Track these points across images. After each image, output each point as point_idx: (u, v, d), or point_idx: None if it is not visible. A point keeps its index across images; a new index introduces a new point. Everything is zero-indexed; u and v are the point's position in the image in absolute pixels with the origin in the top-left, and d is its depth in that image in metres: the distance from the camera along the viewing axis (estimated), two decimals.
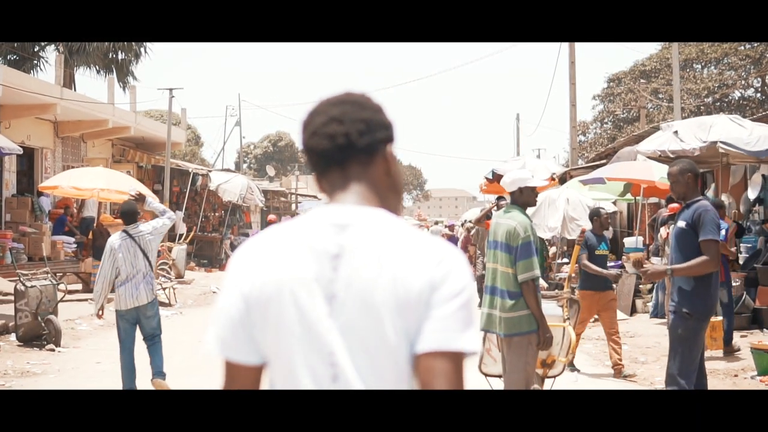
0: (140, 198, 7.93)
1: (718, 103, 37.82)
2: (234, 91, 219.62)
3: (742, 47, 37.74)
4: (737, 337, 10.32)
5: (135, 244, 7.48)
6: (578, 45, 24.79)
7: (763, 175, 12.62)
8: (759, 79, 37.59)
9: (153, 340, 7.62)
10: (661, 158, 11.27)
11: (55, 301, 11.03)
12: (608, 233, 16.89)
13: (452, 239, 25.71)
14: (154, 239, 7.61)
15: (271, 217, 15.62)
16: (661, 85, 39.95)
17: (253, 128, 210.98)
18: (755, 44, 36.32)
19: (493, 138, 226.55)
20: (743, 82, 38.78)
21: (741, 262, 12.38)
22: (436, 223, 43.72)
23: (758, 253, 11.66)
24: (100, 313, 7.77)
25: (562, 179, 22.69)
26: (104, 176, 16.12)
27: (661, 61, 40.65)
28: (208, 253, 26.61)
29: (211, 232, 27.71)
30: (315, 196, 48.33)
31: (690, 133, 10.96)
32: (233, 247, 27.87)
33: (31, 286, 10.80)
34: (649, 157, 11.52)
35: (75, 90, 28.31)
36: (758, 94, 38.71)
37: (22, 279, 10.93)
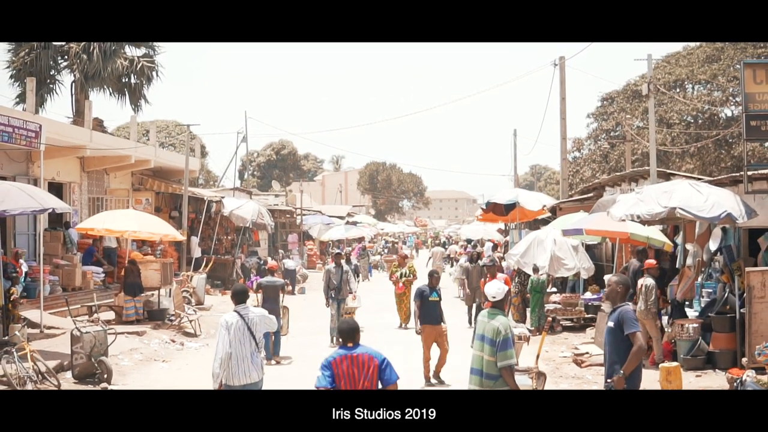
0: None
1: (707, 123, 39.39)
2: (237, 93, 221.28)
3: (731, 68, 39.31)
4: (693, 377, 12.05)
5: (244, 323, 8.03)
6: (574, 63, 26.42)
7: (723, 228, 14.28)
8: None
9: None
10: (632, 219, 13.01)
11: (105, 345, 12.76)
12: (579, 266, 18.50)
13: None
14: (260, 324, 8.15)
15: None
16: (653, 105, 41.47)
17: (256, 135, 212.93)
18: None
19: (493, 148, 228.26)
20: (734, 99, 40.25)
21: (702, 306, 14.13)
22: (439, 242, 45.10)
23: (714, 302, 13.36)
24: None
25: (553, 210, 24.47)
26: (135, 219, 17.82)
27: (653, 81, 42.15)
28: (221, 275, 28.27)
29: (224, 255, 29.42)
30: (319, 211, 50.04)
31: (654, 199, 12.65)
32: (244, 268, 29.50)
33: (86, 332, 12.54)
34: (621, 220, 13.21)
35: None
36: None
37: (77, 326, 12.68)
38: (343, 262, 17.50)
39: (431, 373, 12.64)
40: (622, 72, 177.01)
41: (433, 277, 13.21)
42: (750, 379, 9.99)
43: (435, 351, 12.80)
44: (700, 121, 39.57)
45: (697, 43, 41.96)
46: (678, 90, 41.53)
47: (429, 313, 12.78)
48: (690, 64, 41.20)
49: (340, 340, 6.53)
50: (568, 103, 26.61)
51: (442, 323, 12.88)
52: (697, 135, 38.17)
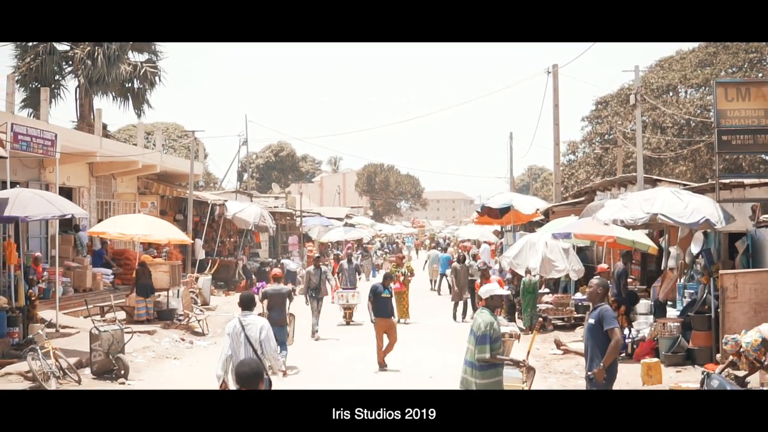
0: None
1: (700, 126, 40.15)
2: (237, 93, 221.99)
3: (723, 73, 40.10)
4: (673, 373, 12.87)
5: (242, 331, 8.40)
6: (569, 70, 27.19)
7: (704, 232, 15.11)
8: None
9: None
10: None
11: (122, 343, 13.57)
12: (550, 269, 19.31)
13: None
14: (258, 337, 8.36)
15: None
16: (646, 109, 42.27)
17: (256, 140, 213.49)
18: (736, 70, 38.77)
19: (490, 150, 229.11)
20: None
21: (683, 305, 14.96)
22: (436, 245, 45.78)
23: (694, 302, 14.19)
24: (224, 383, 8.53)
25: (546, 213, 25.31)
26: (145, 223, 18.64)
27: (646, 85, 42.98)
28: (224, 276, 29.05)
29: (227, 256, 30.22)
30: (318, 213, 50.82)
31: (637, 205, 13.49)
32: (246, 270, 30.22)
33: (104, 331, 13.35)
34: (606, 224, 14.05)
35: (93, 117, 30.73)
36: None
37: (96, 325, 13.49)
38: (322, 264, 19.78)
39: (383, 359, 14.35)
40: (617, 76, 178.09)
41: (387, 279, 15.31)
42: (723, 374, 10.79)
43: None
44: (693, 125, 40.37)
45: (690, 48, 42.82)
46: (671, 94, 42.37)
47: (381, 308, 14.60)
48: (683, 69, 42.00)
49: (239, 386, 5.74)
50: (563, 105, 27.59)
51: (392, 317, 14.88)
52: (690, 139, 38.95)
